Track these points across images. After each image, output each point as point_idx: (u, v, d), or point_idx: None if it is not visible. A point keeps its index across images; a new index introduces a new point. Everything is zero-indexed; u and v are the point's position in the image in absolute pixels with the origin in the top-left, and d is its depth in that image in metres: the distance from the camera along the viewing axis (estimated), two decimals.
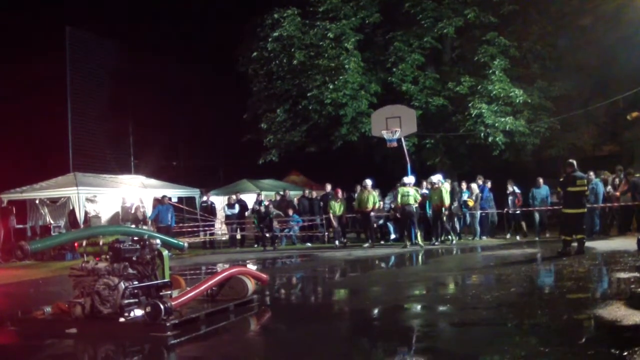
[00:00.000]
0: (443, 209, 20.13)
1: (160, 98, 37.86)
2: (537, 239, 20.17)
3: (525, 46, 25.09)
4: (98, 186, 24.39)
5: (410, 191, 20.06)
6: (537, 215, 20.70)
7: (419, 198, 20.23)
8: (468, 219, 21.66)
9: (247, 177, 30.59)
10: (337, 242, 21.54)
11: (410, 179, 20.70)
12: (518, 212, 21.16)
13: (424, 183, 21.70)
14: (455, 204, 20.92)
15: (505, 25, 24.94)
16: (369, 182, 21.14)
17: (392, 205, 21.59)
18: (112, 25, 35.37)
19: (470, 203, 21.11)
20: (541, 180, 20.95)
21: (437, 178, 20.50)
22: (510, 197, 21.16)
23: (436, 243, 19.96)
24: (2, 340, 8.28)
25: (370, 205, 20.93)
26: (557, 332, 6.98)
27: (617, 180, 20.04)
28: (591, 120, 25.91)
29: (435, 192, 20.28)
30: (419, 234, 20.16)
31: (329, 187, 23.76)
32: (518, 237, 20.80)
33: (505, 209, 21.25)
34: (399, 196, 20.14)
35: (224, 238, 26.00)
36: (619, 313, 7.39)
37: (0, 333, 8.54)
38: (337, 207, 21.57)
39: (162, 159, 37.62)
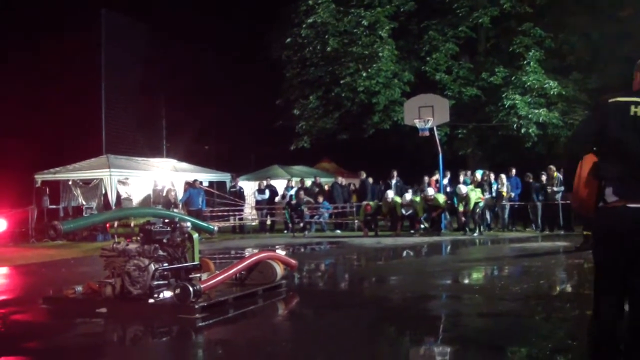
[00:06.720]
0: (480, 202, 20.22)
1: (192, 82, 38.02)
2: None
3: (561, 37, 24.82)
4: (130, 169, 24.56)
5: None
6: None
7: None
8: (499, 210, 21.40)
9: (278, 163, 30.62)
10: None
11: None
12: None
13: (461, 176, 21.53)
14: (487, 195, 20.78)
15: (541, 16, 24.68)
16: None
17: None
18: (145, 8, 35.51)
19: (504, 194, 20.91)
20: None
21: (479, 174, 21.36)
22: None
23: (474, 234, 19.88)
24: (34, 317, 8.42)
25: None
26: (584, 326, 6.94)
27: None
28: None
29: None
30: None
31: (363, 175, 24.02)
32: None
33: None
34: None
35: (253, 223, 26.07)
36: None
37: (33, 311, 8.70)
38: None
39: (194, 142, 37.70)
